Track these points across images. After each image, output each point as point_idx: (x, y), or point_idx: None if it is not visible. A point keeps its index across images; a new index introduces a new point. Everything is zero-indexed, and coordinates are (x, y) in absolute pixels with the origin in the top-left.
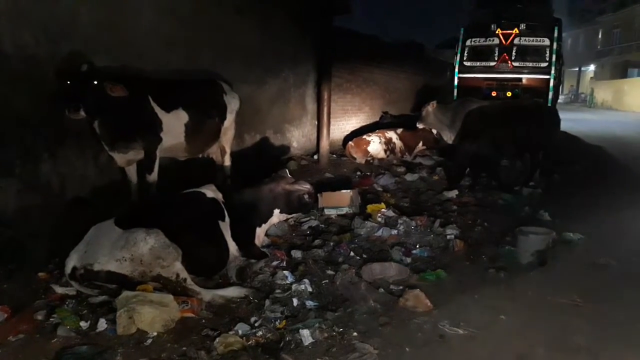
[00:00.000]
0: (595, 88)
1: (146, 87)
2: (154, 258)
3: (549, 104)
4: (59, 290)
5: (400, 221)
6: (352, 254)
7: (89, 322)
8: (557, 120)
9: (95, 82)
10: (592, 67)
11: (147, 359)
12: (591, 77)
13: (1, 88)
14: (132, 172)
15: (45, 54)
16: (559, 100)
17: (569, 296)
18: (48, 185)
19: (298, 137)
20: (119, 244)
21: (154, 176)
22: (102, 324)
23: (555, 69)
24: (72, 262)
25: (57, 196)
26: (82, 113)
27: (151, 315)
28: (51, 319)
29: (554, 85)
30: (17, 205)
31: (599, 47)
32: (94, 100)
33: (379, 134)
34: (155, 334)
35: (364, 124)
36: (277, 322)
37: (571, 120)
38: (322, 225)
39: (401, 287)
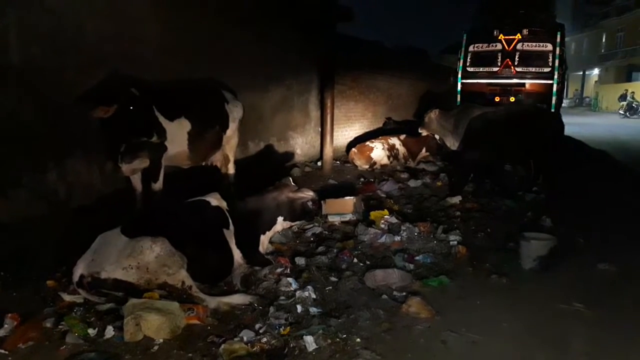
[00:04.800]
0: (599, 92)
1: (150, 97)
2: (160, 266)
3: (553, 109)
4: (67, 297)
5: (403, 227)
6: (355, 260)
7: (96, 329)
8: (561, 126)
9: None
10: (596, 71)
11: None
12: (595, 81)
13: (9, 99)
14: (136, 180)
15: (52, 65)
16: (563, 104)
17: (571, 302)
18: (55, 194)
19: (302, 144)
20: (125, 252)
21: (159, 184)
22: (110, 331)
23: (559, 73)
24: (79, 270)
25: (64, 205)
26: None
27: (157, 322)
28: (59, 327)
29: (557, 90)
30: (25, 214)
31: (602, 50)
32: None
33: (382, 141)
34: (161, 340)
35: (367, 130)
36: (281, 329)
37: (575, 125)
38: (326, 232)
39: (404, 294)
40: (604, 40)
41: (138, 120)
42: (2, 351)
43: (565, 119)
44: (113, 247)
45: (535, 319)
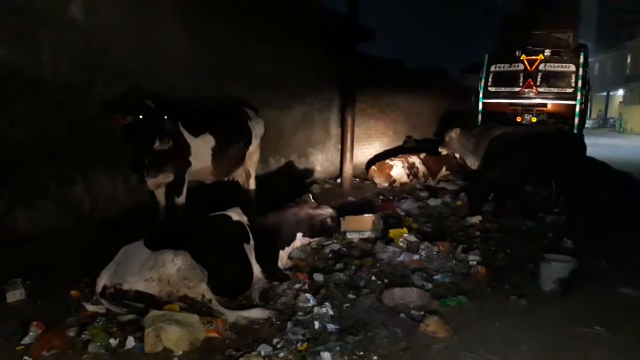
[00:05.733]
0: (624, 113)
1: (176, 113)
2: (181, 279)
3: (575, 130)
4: (90, 308)
5: (422, 246)
6: (373, 278)
7: (118, 339)
8: (582, 147)
9: (166, 117)
10: (620, 92)
11: None
12: (620, 102)
13: (40, 113)
14: (160, 194)
15: (81, 81)
16: (586, 125)
17: (592, 325)
18: (80, 206)
19: (322, 161)
20: (147, 264)
21: (182, 199)
22: (131, 342)
23: (582, 94)
24: (102, 280)
25: (89, 217)
26: (171, 143)
27: (177, 334)
28: (82, 336)
29: (580, 111)
30: (51, 225)
31: (627, 71)
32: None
33: (402, 159)
34: (180, 352)
35: (387, 148)
36: (298, 345)
37: (598, 146)
38: (344, 249)
39: (422, 313)
40: (629, 61)
41: (155, 131)
42: (27, 358)
43: (588, 140)
44: (136, 259)
45: (554, 341)
